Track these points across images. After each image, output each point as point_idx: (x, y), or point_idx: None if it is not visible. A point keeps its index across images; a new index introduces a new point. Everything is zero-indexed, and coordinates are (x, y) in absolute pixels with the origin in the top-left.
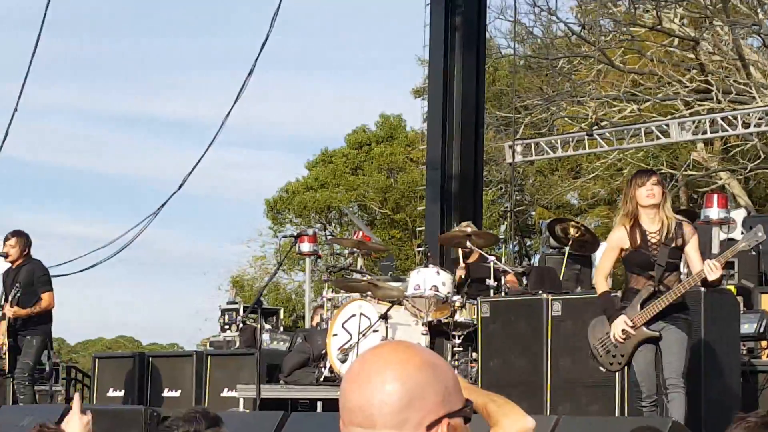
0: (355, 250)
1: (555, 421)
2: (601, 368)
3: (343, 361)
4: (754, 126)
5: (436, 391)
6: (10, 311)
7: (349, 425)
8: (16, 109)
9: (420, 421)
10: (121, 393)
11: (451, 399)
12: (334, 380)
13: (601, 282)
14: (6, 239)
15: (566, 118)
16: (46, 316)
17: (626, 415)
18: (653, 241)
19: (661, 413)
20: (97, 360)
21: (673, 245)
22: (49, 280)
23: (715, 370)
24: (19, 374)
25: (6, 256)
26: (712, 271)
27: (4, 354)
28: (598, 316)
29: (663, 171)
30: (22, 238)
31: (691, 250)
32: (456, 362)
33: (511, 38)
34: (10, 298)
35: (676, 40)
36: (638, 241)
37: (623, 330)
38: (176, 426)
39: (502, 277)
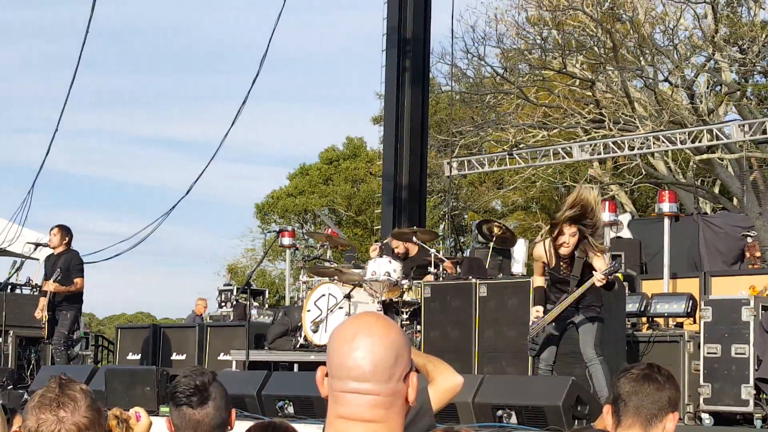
0: (325, 243)
1: (480, 379)
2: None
3: (314, 332)
4: (638, 149)
5: (408, 351)
6: (51, 287)
7: (346, 379)
8: (56, 130)
9: (400, 375)
10: (139, 356)
11: (410, 357)
12: (308, 347)
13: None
14: (51, 230)
15: (492, 141)
16: (78, 297)
17: (534, 375)
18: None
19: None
20: (119, 330)
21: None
22: (82, 268)
23: (609, 340)
24: (56, 341)
25: (49, 243)
26: (599, 281)
27: (44, 324)
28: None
29: (567, 184)
30: (62, 230)
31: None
32: None
33: (449, 78)
34: (51, 279)
35: (578, 81)
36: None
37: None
38: (192, 376)
39: (441, 265)
